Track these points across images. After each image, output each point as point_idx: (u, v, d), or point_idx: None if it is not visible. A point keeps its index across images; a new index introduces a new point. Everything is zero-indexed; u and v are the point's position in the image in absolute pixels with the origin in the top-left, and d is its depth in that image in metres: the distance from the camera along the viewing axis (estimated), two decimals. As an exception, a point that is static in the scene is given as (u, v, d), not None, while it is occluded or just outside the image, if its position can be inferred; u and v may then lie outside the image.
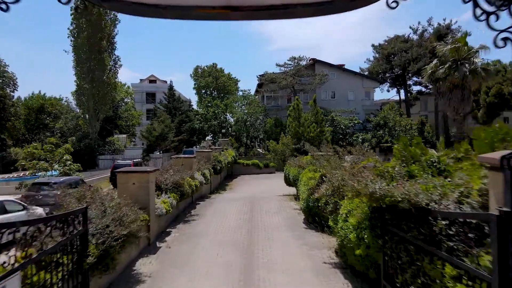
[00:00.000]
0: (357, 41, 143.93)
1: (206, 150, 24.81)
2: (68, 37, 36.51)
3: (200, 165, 20.19)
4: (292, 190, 23.42)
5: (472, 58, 25.25)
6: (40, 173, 20.73)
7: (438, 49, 26.96)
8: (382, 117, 47.47)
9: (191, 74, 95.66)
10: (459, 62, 25.54)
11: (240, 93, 48.76)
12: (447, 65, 25.40)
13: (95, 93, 36.90)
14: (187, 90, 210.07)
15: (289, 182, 21.12)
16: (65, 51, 36.19)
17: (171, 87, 45.31)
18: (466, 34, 26.07)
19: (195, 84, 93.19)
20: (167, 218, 12.55)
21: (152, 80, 72.36)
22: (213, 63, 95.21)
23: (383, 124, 47.20)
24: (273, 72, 46.15)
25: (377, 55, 61.29)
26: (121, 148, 38.43)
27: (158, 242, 10.71)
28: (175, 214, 14.04)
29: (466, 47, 25.78)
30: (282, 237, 10.91)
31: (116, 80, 44.98)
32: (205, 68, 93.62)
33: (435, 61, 26.71)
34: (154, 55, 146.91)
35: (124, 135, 41.77)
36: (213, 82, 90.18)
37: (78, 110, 39.82)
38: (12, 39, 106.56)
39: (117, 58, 43.77)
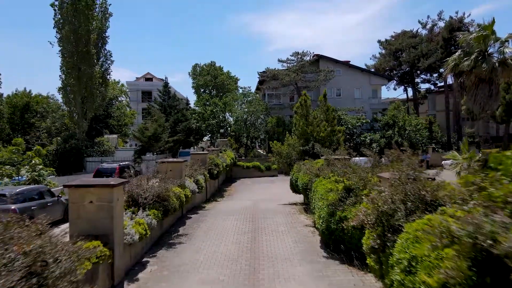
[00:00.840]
0: (357, 41, 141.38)
1: (201, 153, 21.94)
2: (53, 28, 33.62)
3: (193, 170, 17.32)
4: (299, 197, 20.63)
5: (502, 48, 22.36)
6: (3, 180, 17.82)
7: (461, 39, 24.04)
8: (391, 116, 44.58)
9: (189, 73, 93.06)
10: (486, 53, 22.66)
11: (240, 90, 45.94)
12: (473, 56, 22.48)
13: (82, 89, 33.97)
14: (187, 91, 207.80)
15: (297, 189, 18.33)
16: (50, 43, 32.86)
17: (166, 84, 42.43)
18: (494, 21, 23.07)
19: (193, 83, 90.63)
20: (144, 242, 9.65)
21: (148, 78, 69.43)
22: (211, 61, 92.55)
23: (392, 123, 44.34)
24: (275, 68, 43.28)
25: (383, 51, 58.47)
26: (111, 150, 35.56)
27: (128, 281, 7.81)
28: (158, 235, 11.14)
29: (493, 36, 22.89)
30: (296, 274, 8.00)
31: (108, 77, 42.06)
32: (204, 66, 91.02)
33: (458, 52, 23.78)
34: (154, 55, 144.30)
35: (115, 136, 38.89)
36: (211, 80, 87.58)
37: (65, 108, 36.86)
38: None
39: (108, 54, 40.86)
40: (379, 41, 58.72)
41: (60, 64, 33.99)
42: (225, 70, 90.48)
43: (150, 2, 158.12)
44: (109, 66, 41.15)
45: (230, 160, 30.74)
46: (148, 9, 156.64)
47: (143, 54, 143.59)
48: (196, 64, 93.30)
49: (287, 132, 22.13)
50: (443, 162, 43.86)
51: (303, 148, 19.36)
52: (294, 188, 19.02)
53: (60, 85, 33.54)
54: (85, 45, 33.58)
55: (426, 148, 45.19)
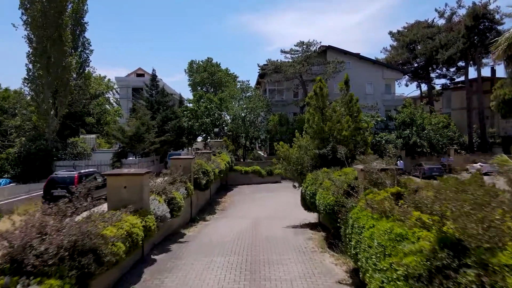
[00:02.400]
0: (358, 41, 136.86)
1: (184, 157, 16.86)
2: (19, 9, 28.55)
3: (167, 184, 12.29)
4: (312, 215, 15.74)
5: None
6: None
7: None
8: (408, 113, 39.61)
9: (185, 69, 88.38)
10: (551, 30, 17.64)
11: (238, 85, 40.79)
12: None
13: (53, 81, 28.91)
14: (186, 91, 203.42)
15: (312, 208, 13.50)
16: (14, 26, 27.81)
17: (153, 77, 37.35)
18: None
19: (189, 80, 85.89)
20: None
21: (140, 74, 64.26)
22: (208, 57, 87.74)
23: (410, 122, 39.35)
24: (277, 60, 38.24)
25: (395, 44, 53.48)
26: (88, 152, 30.55)
27: None
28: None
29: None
30: None
31: (89, 68, 37.02)
32: (200, 63, 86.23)
33: (513, 29, 18.75)
34: (152, 56, 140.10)
35: (93, 136, 33.81)
36: (208, 77, 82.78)
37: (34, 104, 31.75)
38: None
39: (87, 42, 35.81)
40: (390, 33, 53.74)
41: (27, 52, 28.93)
42: (222, 67, 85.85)
43: (149, 2, 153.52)
44: (88, 56, 36.11)
45: (225, 164, 25.76)
46: (146, 10, 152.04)
47: (141, 54, 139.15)
48: (192, 60, 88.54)
49: (296, 131, 17.10)
50: (468, 165, 38.99)
51: (319, 151, 14.32)
52: (309, 206, 14.08)
53: (26, 76, 28.52)
54: (56, 29, 28.52)
55: (447, 149, 40.22)
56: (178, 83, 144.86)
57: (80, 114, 35.65)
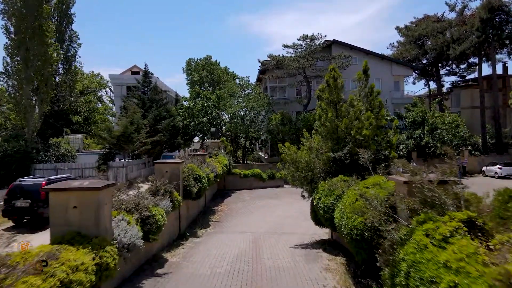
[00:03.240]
0: (358, 41, 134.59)
1: (172, 162, 14.13)
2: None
3: (141, 198, 9.63)
4: (323, 230, 13.25)
5: None
6: None
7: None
8: (419, 112, 36.95)
9: (183, 68, 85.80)
10: None
11: (237, 81, 38.02)
12: None
13: (32, 76, 26.21)
14: (186, 91, 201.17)
15: (326, 224, 10.97)
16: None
17: (146, 73, 34.62)
18: None
19: (187, 79, 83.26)
20: None
21: (135, 72, 61.49)
22: (207, 55, 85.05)
23: (421, 121, 36.69)
24: (279, 55, 35.56)
25: (402, 40, 50.79)
26: (72, 153, 27.86)
27: None
28: None
29: None
30: None
31: (76, 64, 34.34)
32: (199, 61, 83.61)
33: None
34: (152, 56, 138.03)
35: (80, 136, 30.99)
36: (207, 76, 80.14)
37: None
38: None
39: (74, 35, 33.15)
40: (397, 28, 51.03)
41: (5, 44, 26.27)
42: (221, 65, 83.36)
43: (149, 3, 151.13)
44: (76, 50, 33.39)
45: (222, 168, 23.11)
46: (146, 10, 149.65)
47: (142, 55, 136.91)
48: (191, 58, 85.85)
49: (304, 130, 14.43)
50: (484, 168, 36.40)
51: (334, 154, 11.66)
52: (322, 222, 11.48)
53: (2, 70, 25.80)
54: (36, 18, 25.83)
55: (461, 150, 37.54)
56: (178, 84, 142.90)
57: (67, 112, 32.95)
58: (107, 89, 51.68)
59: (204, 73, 78.71)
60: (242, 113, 33.68)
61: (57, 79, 33.99)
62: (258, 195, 25.19)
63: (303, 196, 13.60)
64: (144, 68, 34.37)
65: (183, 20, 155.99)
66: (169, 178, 13.28)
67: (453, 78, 51.25)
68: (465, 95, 50.97)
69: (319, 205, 10.81)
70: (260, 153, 47.24)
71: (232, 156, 31.65)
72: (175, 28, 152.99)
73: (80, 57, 37.25)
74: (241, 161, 37.66)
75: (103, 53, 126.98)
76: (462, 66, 49.61)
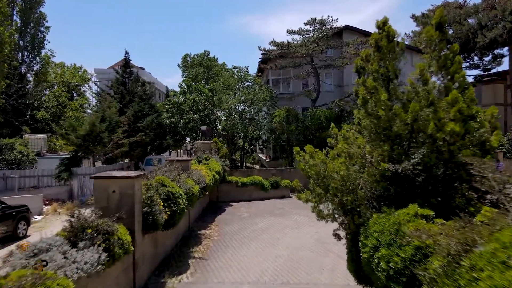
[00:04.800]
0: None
1: (124, 175, 8.90)
2: None
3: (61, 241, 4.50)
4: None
5: None
6: None
7: None
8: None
9: (178, 64, 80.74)
10: None
11: (235, 72, 32.76)
12: None
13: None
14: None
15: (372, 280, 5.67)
16: None
17: (126, 63, 29.39)
18: None
19: (183, 76, 78.25)
20: None
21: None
22: (204, 51, 79.74)
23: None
24: (283, 42, 30.35)
25: (418, 29, 45.70)
26: (30, 157, 22.73)
27: None
28: None
29: None
30: None
31: (47, 52, 29.20)
32: (195, 56, 78.53)
33: None
34: (152, 56, 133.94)
35: (42, 136, 25.87)
36: (204, 72, 74.92)
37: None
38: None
39: (41, 17, 28.02)
40: (413, 16, 45.93)
41: None
42: (219, 62, 78.24)
43: (147, 4, 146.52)
44: (45, 35, 28.24)
45: (214, 175, 18.01)
46: (145, 11, 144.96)
47: (141, 55, 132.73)
48: (187, 54, 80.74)
49: (332, 126, 9.32)
50: (523, 173, 31.24)
51: (396, 167, 6.55)
52: (371, 282, 6.36)
53: None
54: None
55: (494, 152, 32.36)
56: (176, 84, 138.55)
57: (27, 108, 27.78)
58: (91, 84, 46.49)
59: (201, 69, 73.67)
60: (240, 109, 28.57)
61: (22, 70, 28.94)
62: (259, 209, 20.05)
63: (337, 235, 8.28)
64: (125, 56, 29.21)
65: (182, 21, 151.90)
66: (117, 202, 8.23)
67: (475, 72, 46.01)
68: (487, 90, 45.77)
69: (374, 260, 5.72)
70: (260, 155, 42.04)
71: (227, 160, 26.58)
72: (173, 28, 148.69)
73: (49, 42, 32.04)
74: (239, 165, 32.56)
75: (103, 53, 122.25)
76: (486, 59, 44.48)
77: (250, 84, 30.52)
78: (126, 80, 29.01)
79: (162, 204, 9.92)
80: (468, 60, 45.46)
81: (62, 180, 19.88)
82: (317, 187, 7.65)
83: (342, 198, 7.30)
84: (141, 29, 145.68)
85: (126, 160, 26.41)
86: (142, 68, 61.97)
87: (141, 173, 8.95)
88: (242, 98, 28.83)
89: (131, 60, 29.33)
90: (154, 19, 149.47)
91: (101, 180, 8.34)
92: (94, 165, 22.09)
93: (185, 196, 11.44)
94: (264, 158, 37.35)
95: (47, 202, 19.54)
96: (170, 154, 40.13)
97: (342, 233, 7.69)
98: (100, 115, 21.20)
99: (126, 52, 29.02)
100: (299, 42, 30.20)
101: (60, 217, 16.53)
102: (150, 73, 65.33)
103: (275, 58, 30.85)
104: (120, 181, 8.36)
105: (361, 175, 7.27)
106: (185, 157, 16.59)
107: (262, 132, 32.42)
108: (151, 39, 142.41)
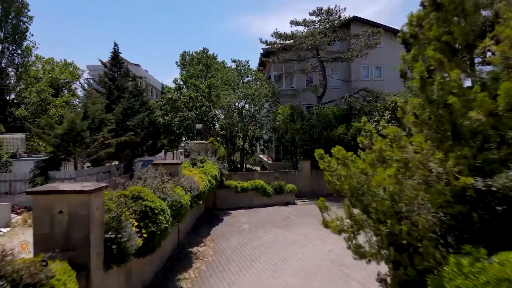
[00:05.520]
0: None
1: (76, 190, 6.63)
2: None
3: None
4: None
5: None
6: None
7: None
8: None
9: (176, 62, 78.44)
10: None
11: (233, 66, 30.18)
12: None
13: None
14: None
15: None
16: None
17: (114, 55, 26.88)
18: None
19: (181, 74, 75.88)
20: None
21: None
22: (203, 48, 77.26)
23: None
24: (286, 33, 27.84)
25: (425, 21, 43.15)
26: (4, 159, 20.20)
27: None
28: None
29: None
30: None
31: (28, 43, 26.76)
32: (194, 54, 76.07)
33: None
34: (151, 57, 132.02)
35: (19, 135, 23.24)
36: (203, 70, 72.48)
37: None
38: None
39: (22, 7, 25.66)
40: (421, 4, 43.38)
41: None
42: (219, 60, 75.84)
43: (146, 5, 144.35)
44: (27, 27, 25.81)
45: (208, 181, 15.59)
46: (144, 12, 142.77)
47: (140, 55, 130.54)
48: (185, 52, 78.37)
49: (364, 119, 6.99)
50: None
51: (485, 183, 4.19)
52: None
53: None
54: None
55: None
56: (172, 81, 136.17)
57: (10, 104, 25.27)
58: (82, 80, 44.02)
59: (200, 67, 71.25)
60: (240, 106, 26.12)
61: (3, 63, 26.49)
62: (261, 219, 17.60)
63: (362, 257, 5.80)
64: (114, 49, 26.72)
65: (181, 20, 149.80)
66: (65, 227, 5.83)
67: (488, 68, 43.50)
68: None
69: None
70: (261, 156, 39.58)
71: (227, 161, 24.15)
72: (172, 28, 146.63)
73: (32, 35, 29.70)
74: (238, 166, 30.12)
75: (102, 52, 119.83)
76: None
77: (251, 79, 28.10)
78: (116, 74, 26.55)
79: (136, 224, 7.48)
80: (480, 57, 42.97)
81: (37, 186, 17.48)
82: (355, 205, 5.20)
83: (393, 227, 4.85)
84: (140, 28, 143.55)
85: (115, 162, 23.99)
86: (137, 65, 59.47)
87: (102, 185, 6.47)
88: (242, 94, 26.37)
89: (120, 53, 26.87)
90: (153, 19, 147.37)
91: (42, 196, 5.88)
92: (76, 168, 19.65)
93: (169, 211, 8.99)
94: (265, 159, 34.93)
95: (19, 211, 17.11)
96: (165, 155, 37.71)
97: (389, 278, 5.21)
98: (82, 112, 18.76)
99: (115, 44, 26.57)
100: (304, 33, 27.72)
101: (29, 230, 14.11)
102: (147, 71, 62.87)
103: (278, 51, 28.41)
104: (70, 198, 5.90)
105: (421, 193, 4.82)
106: (174, 160, 14.08)
107: (263, 132, 29.99)
108: (150, 38, 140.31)
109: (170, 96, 28.19)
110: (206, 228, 15.86)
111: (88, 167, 22.68)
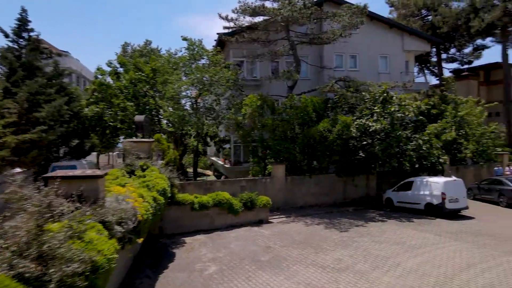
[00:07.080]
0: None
1: None
2: None
3: None
4: None
5: None
6: None
7: None
8: (440, 102, 26.75)
9: (116, 53, 69.91)
10: None
11: (185, 45, 23.90)
12: None
13: None
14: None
15: None
16: None
17: (21, 22, 19.51)
18: None
19: (118, 56, 67.66)
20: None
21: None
22: (146, 40, 69.57)
23: (453, 117, 26.02)
24: (257, 4, 22.29)
25: (395, 15, 40.33)
26: None
27: None
28: None
29: None
30: None
31: None
32: (137, 47, 68.13)
33: None
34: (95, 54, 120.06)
35: None
36: (146, 63, 64.75)
37: None
38: None
39: None
40: (388, 1, 40.51)
41: None
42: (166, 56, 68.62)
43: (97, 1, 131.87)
44: None
45: (154, 200, 9.81)
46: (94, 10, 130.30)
47: (86, 52, 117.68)
48: (126, 43, 70.06)
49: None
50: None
51: None
52: None
53: None
54: None
55: (497, 155, 27.31)
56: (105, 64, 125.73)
57: None
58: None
59: (143, 60, 63.78)
60: (194, 94, 20.31)
61: None
62: (233, 253, 12.01)
63: None
64: (21, 15, 19.47)
65: (128, 22, 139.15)
66: None
67: (454, 65, 41.65)
68: (461, 87, 41.70)
69: None
70: (214, 158, 33.70)
71: (177, 166, 18.28)
72: (117, 29, 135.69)
73: None
74: (187, 171, 24.20)
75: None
76: (466, 51, 40.18)
77: (206, 62, 22.40)
78: (22, 50, 19.45)
79: None
80: (445, 54, 40.98)
81: None
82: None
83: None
84: (82, 21, 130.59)
85: (17, 170, 17.15)
86: (66, 52, 50.71)
87: None
88: (196, 80, 20.55)
89: (30, 22, 19.75)
90: (95, 16, 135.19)
91: None
92: None
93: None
94: (220, 162, 29.08)
95: None
96: (97, 160, 30.58)
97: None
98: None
99: (23, 10, 19.45)
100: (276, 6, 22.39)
101: None
102: (78, 60, 54.08)
103: (241, 28, 22.92)
104: None
105: None
106: (89, 171, 7.98)
107: (219, 129, 24.44)
108: (91, 34, 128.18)
109: (103, 81, 21.68)
110: (149, 278, 9.96)
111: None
